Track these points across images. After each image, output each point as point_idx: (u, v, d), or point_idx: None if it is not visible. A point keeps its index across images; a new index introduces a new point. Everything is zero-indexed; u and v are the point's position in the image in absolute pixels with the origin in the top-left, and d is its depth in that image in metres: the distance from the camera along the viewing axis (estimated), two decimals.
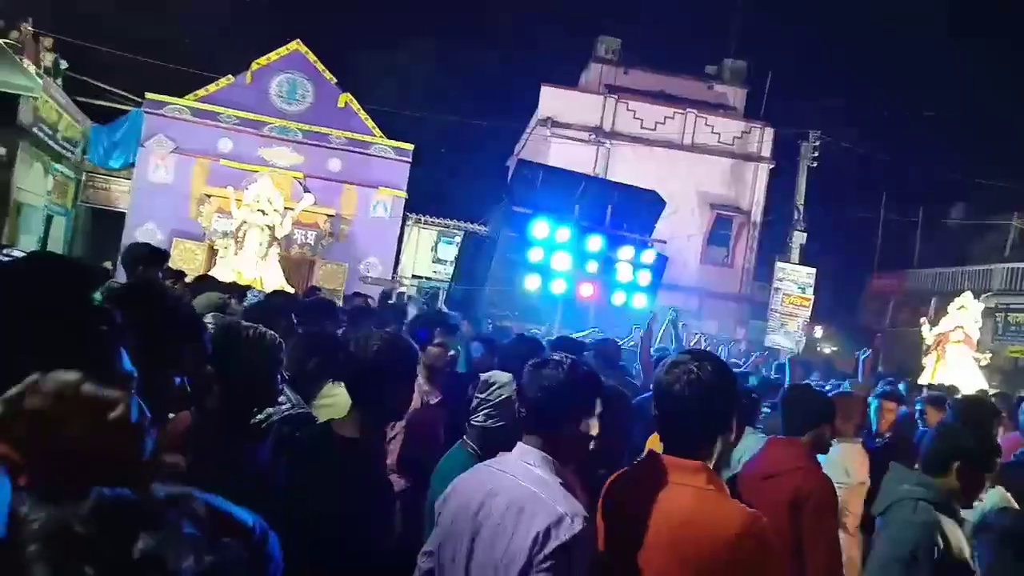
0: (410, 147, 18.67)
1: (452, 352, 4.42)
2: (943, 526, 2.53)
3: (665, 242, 12.59)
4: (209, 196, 17.30)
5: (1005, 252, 20.75)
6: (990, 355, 13.80)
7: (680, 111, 20.70)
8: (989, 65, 21.28)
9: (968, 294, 14.49)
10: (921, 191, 22.63)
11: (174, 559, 0.71)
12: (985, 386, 12.14)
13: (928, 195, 22.60)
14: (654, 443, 3.91)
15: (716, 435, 1.92)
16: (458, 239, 20.82)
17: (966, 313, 13.74)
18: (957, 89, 23.42)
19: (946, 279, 21.12)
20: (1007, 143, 20.76)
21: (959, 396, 5.88)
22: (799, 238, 21.57)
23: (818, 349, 20.94)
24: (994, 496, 3.31)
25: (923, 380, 11.92)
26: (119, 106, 18.00)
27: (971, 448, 2.71)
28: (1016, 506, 3.35)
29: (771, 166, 21.03)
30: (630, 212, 11.17)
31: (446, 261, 20.94)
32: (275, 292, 6.46)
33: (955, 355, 13.27)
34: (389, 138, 18.69)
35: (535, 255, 9.87)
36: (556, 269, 9.95)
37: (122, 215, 17.44)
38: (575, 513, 1.80)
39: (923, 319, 14.93)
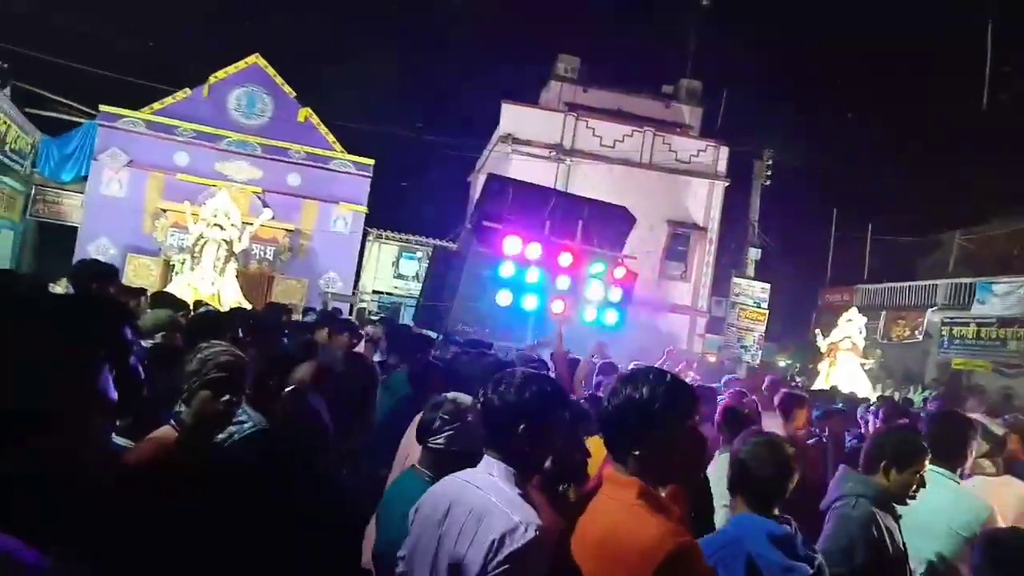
0: (371, 162, 18.59)
1: None
2: (879, 519, 2.83)
3: (636, 258, 12.70)
4: (164, 211, 16.93)
5: (949, 268, 21.45)
6: (873, 360, 15.54)
7: (638, 129, 21.02)
8: (936, 86, 22.09)
9: (854, 309, 16.18)
10: (870, 208, 23.32)
11: None
12: (869, 387, 13.82)
13: (877, 212, 23.29)
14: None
15: (637, 445, 1.91)
16: (420, 254, 20.78)
17: (852, 325, 15.37)
18: (905, 107, 24.21)
19: (894, 294, 21.69)
20: (951, 163, 21.50)
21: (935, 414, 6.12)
22: (754, 254, 22.11)
23: (777, 363, 21.35)
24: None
25: (818, 384, 13.48)
26: (71, 118, 17.52)
27: (892, 449, 3.03)
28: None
29: (726, 183, 21.49)
30: (600, 228, 11.21)
31: (408, 276, 20.82)
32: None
33: (844, 361, 14.91)
34: (349, 153, 18.56)
35: (506, 270, 9.84)
36: (527, 285, 9.93)
37: (74, 229, 16.95)
38: (529, 522, 1.86)
39: (817, 331, 16.66)
